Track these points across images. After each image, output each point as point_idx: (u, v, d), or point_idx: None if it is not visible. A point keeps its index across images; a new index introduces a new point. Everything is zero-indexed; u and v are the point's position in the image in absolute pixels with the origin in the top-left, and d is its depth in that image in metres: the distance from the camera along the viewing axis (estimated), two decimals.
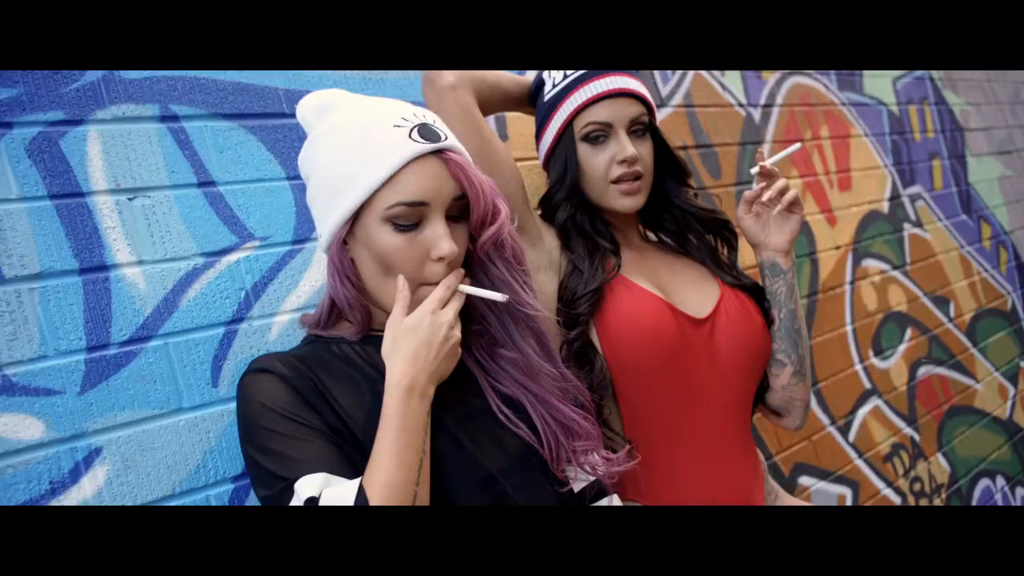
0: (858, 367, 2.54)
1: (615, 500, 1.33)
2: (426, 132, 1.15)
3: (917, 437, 2.68)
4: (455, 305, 1.16)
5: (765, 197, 1.58)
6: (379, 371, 1.15)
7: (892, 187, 3.02)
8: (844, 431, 2.39)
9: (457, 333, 1.16)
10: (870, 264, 2.75)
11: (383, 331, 1.17)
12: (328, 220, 1.18)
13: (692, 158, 2.26)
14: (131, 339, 1.25)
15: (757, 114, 2.53)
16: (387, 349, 1.13)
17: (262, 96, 1.49)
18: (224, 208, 1.39)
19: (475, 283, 1.23)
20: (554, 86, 1.59)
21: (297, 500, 1.02)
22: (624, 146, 1.54)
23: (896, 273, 2.87)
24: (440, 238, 1.14)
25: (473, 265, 1.24)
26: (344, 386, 1.16)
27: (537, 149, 1.66)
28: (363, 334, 1.23)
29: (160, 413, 1.25)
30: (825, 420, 2.34)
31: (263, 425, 1.09)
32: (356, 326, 1.23)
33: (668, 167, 1.64)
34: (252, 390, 1.12)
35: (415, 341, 1.11)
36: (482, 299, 1.21)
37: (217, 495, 1.26)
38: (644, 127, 1.60)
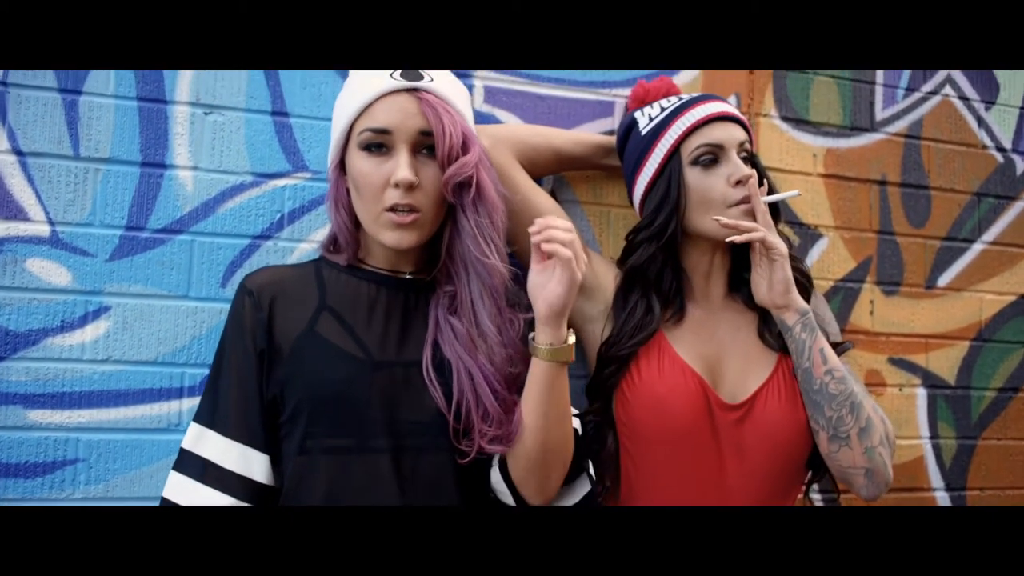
0: None
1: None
2: (407, 74, 1.29)
3: None
4: None
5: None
6: (334, 298, 1.34)
7: None
8: None
9: None
10: None
11: (369, 262, 1.37)
12: (329, 149, 1.37)
13: (888, 196, 1.98)
14: (164, 228, 1.51)
15: (1022, 163, 2.11)
16: None
17: None
18: (288, 138, 1.58)
19: (454, 231, 1.33)
20: (651, 119, 1.55)
21: (187, 437, 1.30)
22: (739, 167, 1.47)
23: None
24: (399, 165, 1.26)
25: (455, 214, 1.33)
26: (294, 309, 1.33)
27: (630, 195, 1.62)
28: (349, 263, 1.38)
29: (167, 295, 1.51)
30: None
31: (223, 342, 1.34)
32: (345, 253, 1.38)
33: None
34: (235, 303, 1.35)
35: None
36: (466, 260, 1.32)
37: (191, 375, 1.51)
38: (749, 156, 1.50)
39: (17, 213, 1.45)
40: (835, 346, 1.50)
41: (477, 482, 1.36)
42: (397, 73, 1.29)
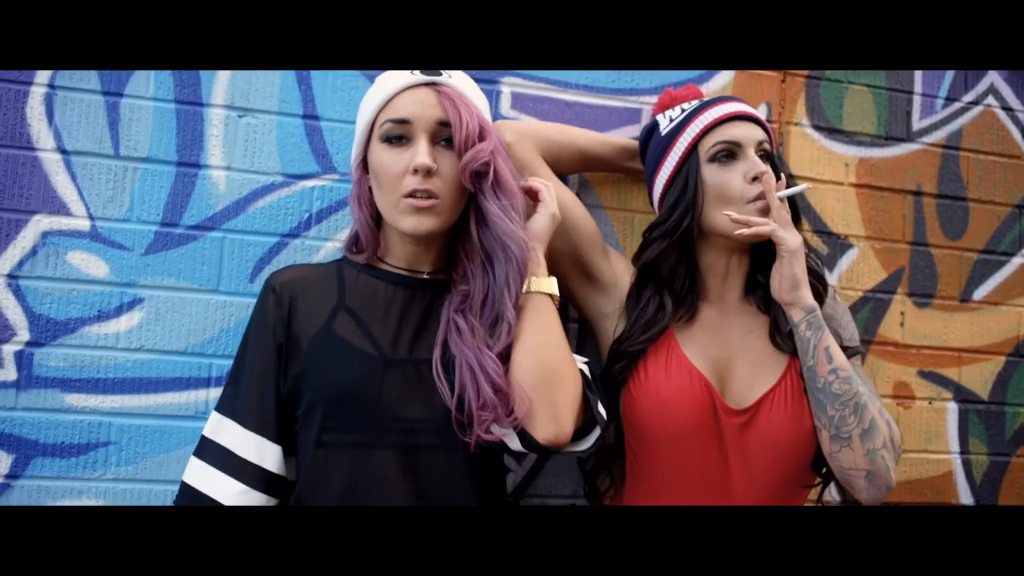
0: None
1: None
2: (427, 71, 1.36)
3: None
4: None
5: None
6: (352, 297, 1.38)
7: None
8: None
9: None
10: None
11: (389, 261, 1.42)
12: (353, 147, 1.43)
13: (923, 207, 1.95)
14: (197, 225, 1.58)
15: None
16: None
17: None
18: (318, 140, 1.64)
19: (478, 217, 1.37)
20: (671, 120, 1.58)
21: (208, 425, 1.36)
22: (756, 163, 1.48)
23: None
24: (418, 152, 1.32)
25: (476, 201, 1.38)
26: (314, 307, 1.38)
27: (650, 194, 1.63)
28: (369, 262, 1.43)
29: (198, 288, 1.58)
30: None
31: (246, 336, 1.40)
32: (366, 252, 1.43)
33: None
34: (260, 299, 1.40)
35: None
36: (494, 243, 1.36)
37: (218, 365, 1.58)
38: (766, 155, 1.51)
39: (60, 208, 1.53)
40: (846, 349, 1.49)
41: (489, 478, 1.40)
42: (418, 71, 1.35)
